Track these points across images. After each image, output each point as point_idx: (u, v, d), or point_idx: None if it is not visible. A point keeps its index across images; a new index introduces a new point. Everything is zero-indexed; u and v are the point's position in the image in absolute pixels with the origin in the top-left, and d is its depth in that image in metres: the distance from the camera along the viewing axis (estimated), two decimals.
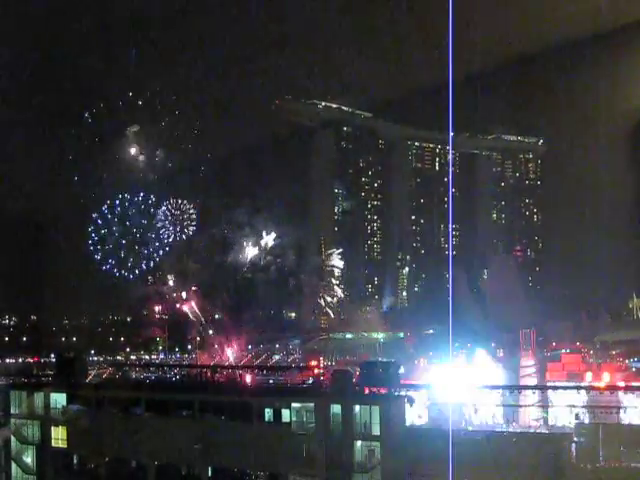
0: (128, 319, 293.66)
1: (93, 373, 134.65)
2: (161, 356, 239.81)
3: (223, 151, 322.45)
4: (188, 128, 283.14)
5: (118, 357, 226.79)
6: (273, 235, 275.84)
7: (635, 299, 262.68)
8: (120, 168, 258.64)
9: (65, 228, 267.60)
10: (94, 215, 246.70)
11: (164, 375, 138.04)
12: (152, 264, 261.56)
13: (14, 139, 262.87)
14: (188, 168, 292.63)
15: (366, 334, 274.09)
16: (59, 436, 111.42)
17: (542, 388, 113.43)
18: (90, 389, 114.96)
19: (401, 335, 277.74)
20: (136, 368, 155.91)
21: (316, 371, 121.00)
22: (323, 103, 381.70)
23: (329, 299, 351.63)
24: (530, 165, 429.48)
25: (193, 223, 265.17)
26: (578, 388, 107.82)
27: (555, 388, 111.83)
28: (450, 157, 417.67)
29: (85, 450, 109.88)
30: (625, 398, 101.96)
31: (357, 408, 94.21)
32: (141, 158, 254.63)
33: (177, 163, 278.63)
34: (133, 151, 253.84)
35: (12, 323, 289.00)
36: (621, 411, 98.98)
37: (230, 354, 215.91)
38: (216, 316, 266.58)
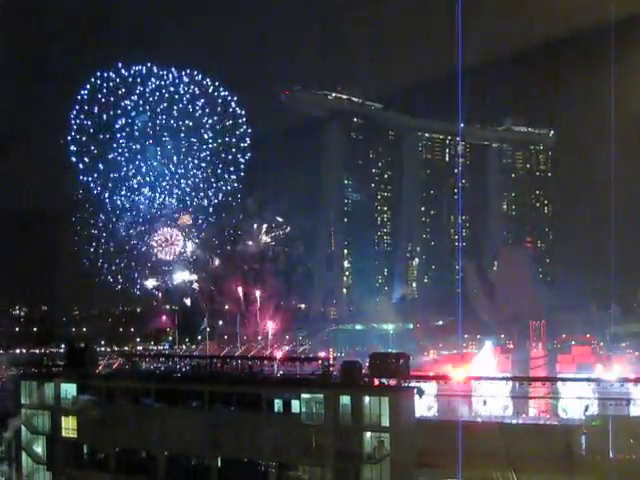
0: (138, 310, 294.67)
1: (103, 363, 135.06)
2: (166, 346, 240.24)
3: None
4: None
5: (127, 347, 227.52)
6: (286, 228, 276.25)
7: None
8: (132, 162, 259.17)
9: (75, 219, 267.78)
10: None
11: (174, 366, 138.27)
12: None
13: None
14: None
15: (376, 325, 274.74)
16: (69, 426, 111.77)
17: (552, 380, 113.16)
18: (100, 379, 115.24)
19: (411, 326, 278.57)
20: (146, 359, 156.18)
21: (325, 362, 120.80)
22: (333, 94, 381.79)
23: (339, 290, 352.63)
24: (540, 156, 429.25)
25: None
26: (588, 380, 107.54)
27: (565, 380, 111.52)
28: (459, 148, 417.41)
29: (95, 440, 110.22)
30: (635, 390, 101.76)
31: (366, 399, 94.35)
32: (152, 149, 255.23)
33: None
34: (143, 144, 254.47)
35: (22, 314, 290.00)
36: (631, 403, 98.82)
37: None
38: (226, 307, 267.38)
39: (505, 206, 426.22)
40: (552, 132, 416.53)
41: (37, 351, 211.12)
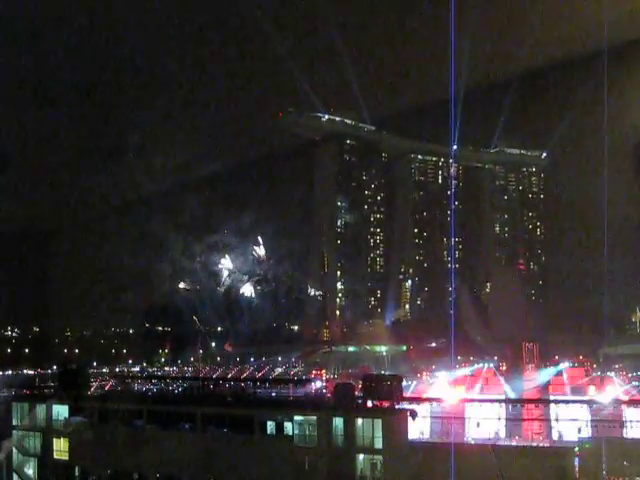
0: (130, 331, 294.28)
1: (95, 385, 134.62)
2: (165, 368, 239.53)
3: (227, 163, 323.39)
4: (192, 141, 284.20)
5: (120, 369, 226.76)
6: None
7: (638, 313, 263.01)
8: (123, 182, 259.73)
9: (69, 240, 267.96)
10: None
11: (166, 387, 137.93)
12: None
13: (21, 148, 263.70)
14: (192, 181, 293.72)
15: (369, 347, 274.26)
16: (61, 448, 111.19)
17: (545, 402, 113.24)
18: (92, 401, 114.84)
19: (404, 348, 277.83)
20: (138, 380, 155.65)
21: (319, 384, 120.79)
22: (327, 116, 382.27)
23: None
24: (533, 179, 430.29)
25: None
26: (581, 402, 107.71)
27: (558, 402, 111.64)
28: (452, 170, 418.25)
29: (87, 462, 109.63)
30: (628, 412, 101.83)
31: (359, 421, 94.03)
32: (145, 171, 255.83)
33: (182, 176, 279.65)
34: (138, 164, 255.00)
35: (15, 335, 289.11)
36: (624, 425, 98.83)
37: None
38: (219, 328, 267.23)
39: (498, 228, 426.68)
40: (544, 154, 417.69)
41: (29, 372, 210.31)
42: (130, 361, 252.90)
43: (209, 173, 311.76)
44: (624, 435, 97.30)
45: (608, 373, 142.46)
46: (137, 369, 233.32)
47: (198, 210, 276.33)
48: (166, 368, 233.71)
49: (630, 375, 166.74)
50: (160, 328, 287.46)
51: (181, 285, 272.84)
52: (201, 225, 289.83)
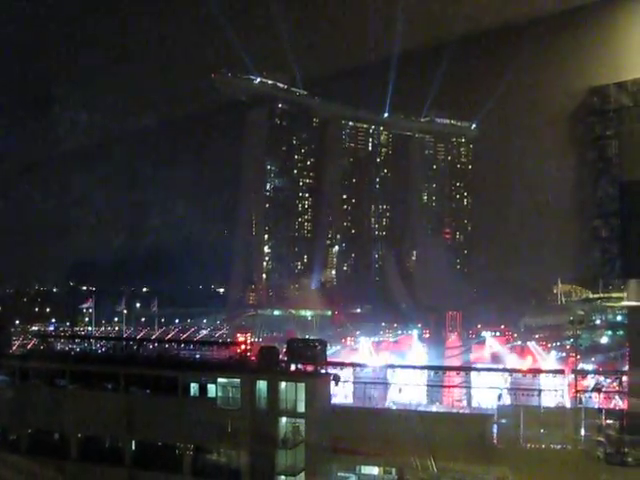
0: (54, 290, 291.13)
1: (17, 344, 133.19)
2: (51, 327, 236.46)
3: (156, 122, 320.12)
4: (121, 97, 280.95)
5: (42, 328, 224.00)
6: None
7: (560, 285, 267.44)
8: (48, 134, 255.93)
9: None
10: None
11: (90, 347, 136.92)
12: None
13: None
14: (118, 139, 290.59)
15: (294, 311, 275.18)
16: None
17: (467, 370, 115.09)
18: (14, 360, 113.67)
19: (329, 313, 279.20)
20: (61, 339, 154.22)
21: (243, 347, 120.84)
22: (259, 79, 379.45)
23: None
24: (462, 149, 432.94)
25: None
26: (501, 370, 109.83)
27: (479, 370, 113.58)
28: (382, 137, 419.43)
29: (7, 421, 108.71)
30: (546, 381, 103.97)
31: (283, 385, 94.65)
32: (69, 123, 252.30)
33: (108, 132, 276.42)
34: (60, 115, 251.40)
35: None
36: (542, 393, 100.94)
37: None
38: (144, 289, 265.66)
39: (425, 197, 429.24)
40: (474, 125, 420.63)
41: None
42: (53, 320, 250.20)
43: (136, 131, 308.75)
44: (541, 403, 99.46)
45: (529, 343, 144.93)
46: (57, 328, 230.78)
47: (125, 166, 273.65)
48: (89, 328, 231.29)
49: (550, 345, 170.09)
50: (84, 287, 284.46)
51: None
52: (126, 181, 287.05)
